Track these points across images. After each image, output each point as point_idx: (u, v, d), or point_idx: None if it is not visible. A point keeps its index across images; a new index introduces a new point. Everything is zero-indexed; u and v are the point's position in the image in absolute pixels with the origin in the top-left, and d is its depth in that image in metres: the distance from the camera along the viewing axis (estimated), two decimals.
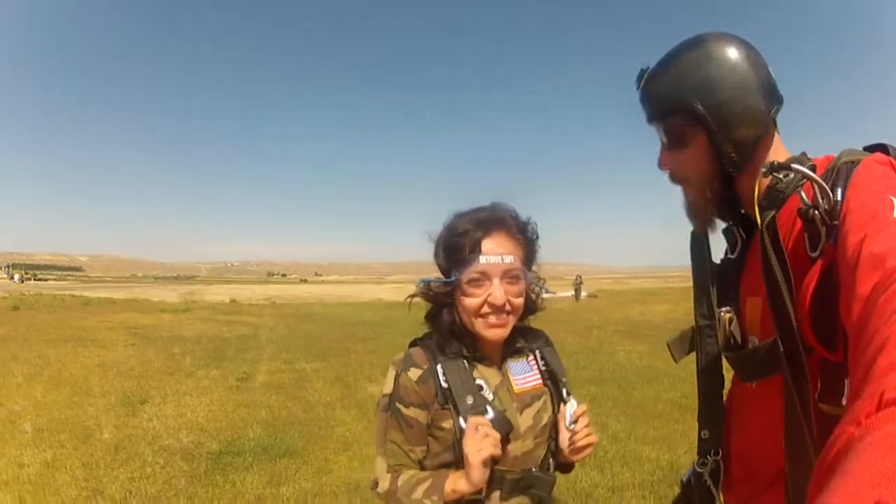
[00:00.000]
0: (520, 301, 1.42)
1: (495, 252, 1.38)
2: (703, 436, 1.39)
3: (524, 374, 1.50)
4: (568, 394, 1.49)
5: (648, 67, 1.29)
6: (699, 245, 1.38)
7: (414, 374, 1.40)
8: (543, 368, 1.53)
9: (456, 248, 1.39)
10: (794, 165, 1.11)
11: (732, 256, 1.36)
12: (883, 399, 0.47)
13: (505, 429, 1.34)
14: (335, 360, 11.10)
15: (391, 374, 1.45)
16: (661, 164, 1.33)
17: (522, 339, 1.54)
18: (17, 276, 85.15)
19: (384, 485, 1.39)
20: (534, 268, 1.49)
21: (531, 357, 1.54)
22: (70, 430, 6.08)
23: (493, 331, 1.39)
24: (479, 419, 1.31)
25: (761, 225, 1.13)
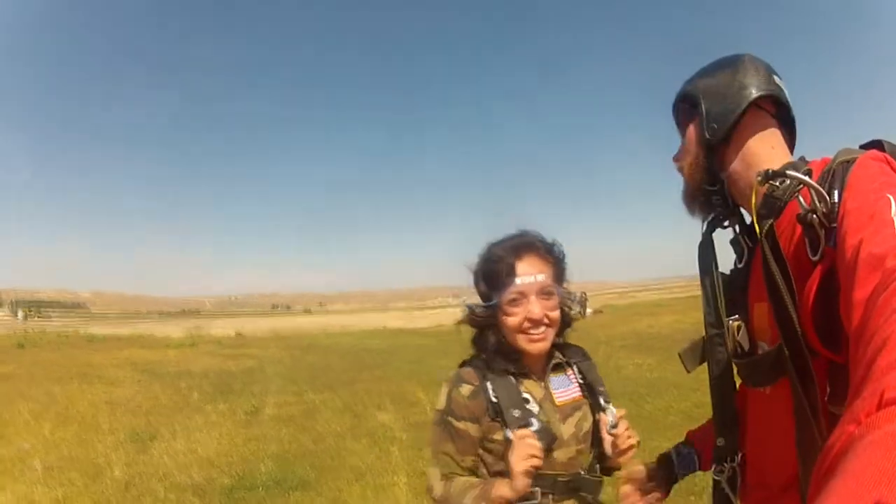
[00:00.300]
0: (556, 314, 1.55)
1: (529, 273, 1.52)
2: (718, 443, 1.42)
3: (564, 387, 1.63)
4: (606, 402, 1.61)
5: None
6: (706, 254, 1.42)
7: (465, 390, 1.53)
8: (581, 381, 1.66)
9: (493, 274, 1.55)
10: (789, 172, 1.14)
11: (740, 265, 1.37)
12: (883, 398, 0.47)
13: (548, 439, 1.46)
14: (343, 390, 11.07)
15: (444, 391, 1.58)
16: (675, 157, 1.44)
17: (561, 354, 1.67)
18: (20, 314, 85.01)
19: (438, 490, 1.52)
20: (564, 284, 1.63)
21: (570, 371, 1.68)
22: (80, 468, 6.05)
23: (535, 345, 1.53)
24: (524, 431, 1.43)
25: (760, 234, 1.16)
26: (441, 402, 1.57)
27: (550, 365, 1.63)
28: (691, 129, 1.36)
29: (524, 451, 1.38)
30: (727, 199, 1.36)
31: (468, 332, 1.64)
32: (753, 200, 1.20)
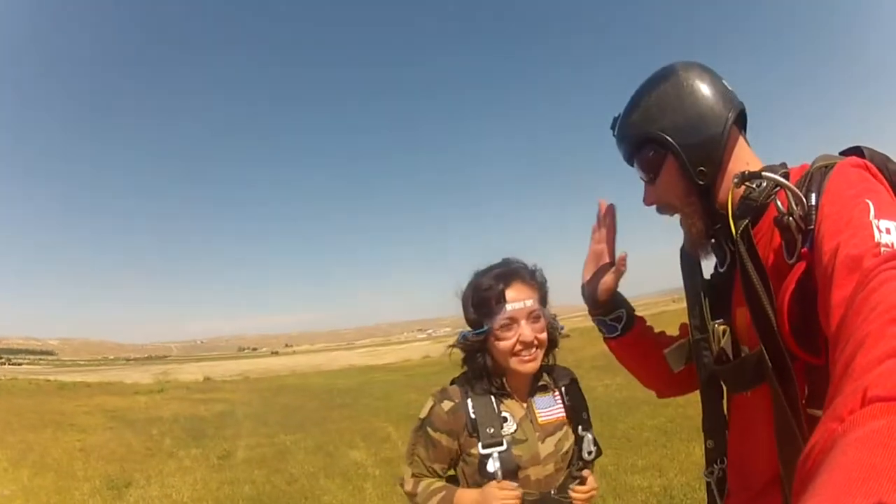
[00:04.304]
0: (544, 336, 1.65)
1: (518, 299, 1.62)
2: (708, 446, 1.40)
3: (549, 407, 1.72)
4: (584, 430, 1.73)
5: (619, 115, 1.37)
6: (689, 260, 1.40)
7: (447, 405, 1.64)
8: (568, 403, 1.75)
9: (484, 302, 1.63)
10: (766, 174, 1.13)
11: (722, 270, 1.34)
12: (866, 396, 0.47)
13: (512, 462, 1.57)
14: (314, 430, 11.22)
15: (429, 403, 1.69)
16: (645, 200, 1.36)
17: (549, 376, 1.76)
18: None
19: (408, 486, 1.67)
20: (547, 307, 1.72)
21: (556, 392, 1.76)
22: None
23: (528, 365, 1.61)
24: (502, 484, 1.53)
25: (735, 234, 1.14)
26: (424, 412, 1.67)
27: (536, 386, 1.72)
28: (667, 175, 1.28)
29: None
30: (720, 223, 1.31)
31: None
32: (730, 202, 1.18)
